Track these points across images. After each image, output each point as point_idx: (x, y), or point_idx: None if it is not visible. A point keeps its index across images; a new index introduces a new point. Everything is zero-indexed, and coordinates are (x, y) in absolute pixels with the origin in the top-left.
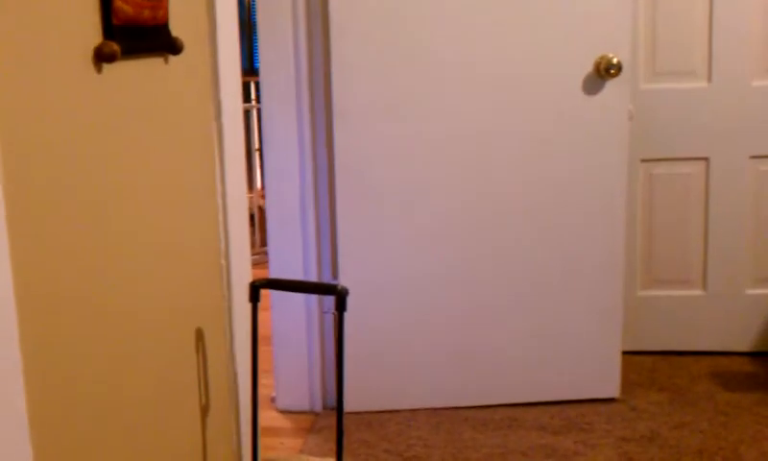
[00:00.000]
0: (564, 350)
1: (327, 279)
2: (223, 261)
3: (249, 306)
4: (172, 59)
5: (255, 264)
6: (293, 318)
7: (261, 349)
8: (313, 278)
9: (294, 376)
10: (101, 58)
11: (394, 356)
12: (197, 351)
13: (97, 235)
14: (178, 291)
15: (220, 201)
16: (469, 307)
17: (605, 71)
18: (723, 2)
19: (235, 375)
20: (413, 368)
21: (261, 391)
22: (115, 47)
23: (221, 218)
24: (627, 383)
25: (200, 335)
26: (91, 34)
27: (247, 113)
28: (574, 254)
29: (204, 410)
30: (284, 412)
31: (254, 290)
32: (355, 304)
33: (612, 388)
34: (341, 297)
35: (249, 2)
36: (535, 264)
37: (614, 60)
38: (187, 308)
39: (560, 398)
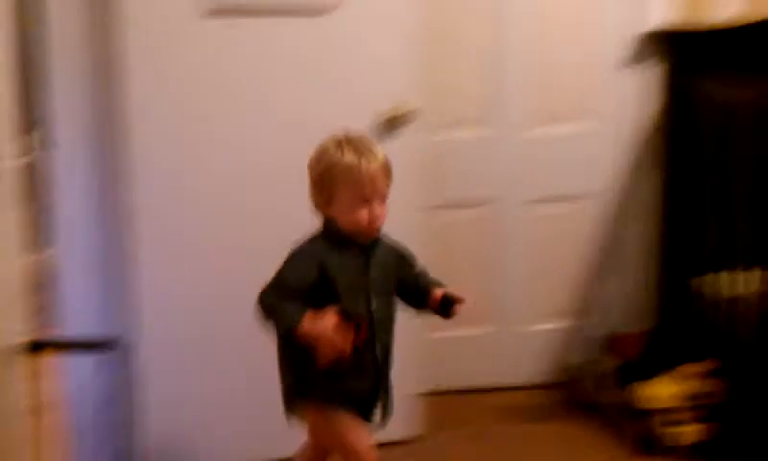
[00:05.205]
0: None
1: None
2: None
3: None
4: None
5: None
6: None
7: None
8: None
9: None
10: None
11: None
12: None
13: None
14: None
15: None
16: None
17: (393, 123)
18: (497, 54)
19: None
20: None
21: None
22: None
23: None
24: (426, 423)
25: None
26: None
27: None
28: None
29: None
30: None
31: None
32: (161, 363)
33: (411, 428)
34: (112, 350)
35: None
36: None
37: (403, 111)
38: None
39: None
